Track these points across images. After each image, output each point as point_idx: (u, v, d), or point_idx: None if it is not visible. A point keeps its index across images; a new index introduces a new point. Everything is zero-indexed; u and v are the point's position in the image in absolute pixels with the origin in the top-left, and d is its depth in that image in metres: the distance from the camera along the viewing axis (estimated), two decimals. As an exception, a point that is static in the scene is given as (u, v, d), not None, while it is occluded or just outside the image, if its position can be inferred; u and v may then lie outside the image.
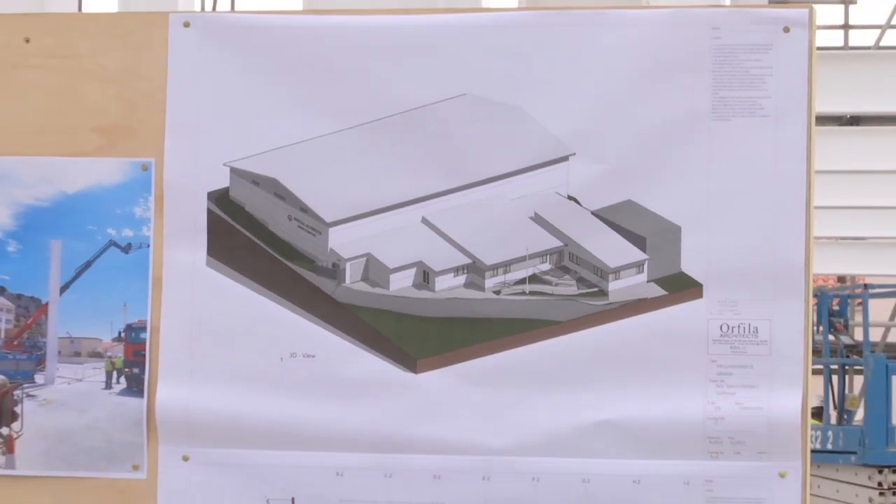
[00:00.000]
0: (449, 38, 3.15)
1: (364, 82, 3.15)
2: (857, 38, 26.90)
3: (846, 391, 21.21)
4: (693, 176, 3.09)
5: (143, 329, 3.21)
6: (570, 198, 3.17)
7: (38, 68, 3.25)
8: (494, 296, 3.15)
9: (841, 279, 26.85)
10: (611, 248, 3.14)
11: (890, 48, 21.67)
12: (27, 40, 3.25)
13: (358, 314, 3.16)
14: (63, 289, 3.27)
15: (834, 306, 21.46)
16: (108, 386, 3.22)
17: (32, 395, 3.24)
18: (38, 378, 3.24)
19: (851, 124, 19.44)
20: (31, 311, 3.26)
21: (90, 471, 3.22)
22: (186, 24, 3.22)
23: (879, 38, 21.35)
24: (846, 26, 25.63)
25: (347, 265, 3.17)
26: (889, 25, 21.59)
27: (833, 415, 20.95)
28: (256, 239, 3.22)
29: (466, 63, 3.13)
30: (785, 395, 3.06)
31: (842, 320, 21.34)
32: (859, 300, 21.84)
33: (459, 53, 3.13)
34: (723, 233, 3.09)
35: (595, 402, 3.09)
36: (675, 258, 3.11)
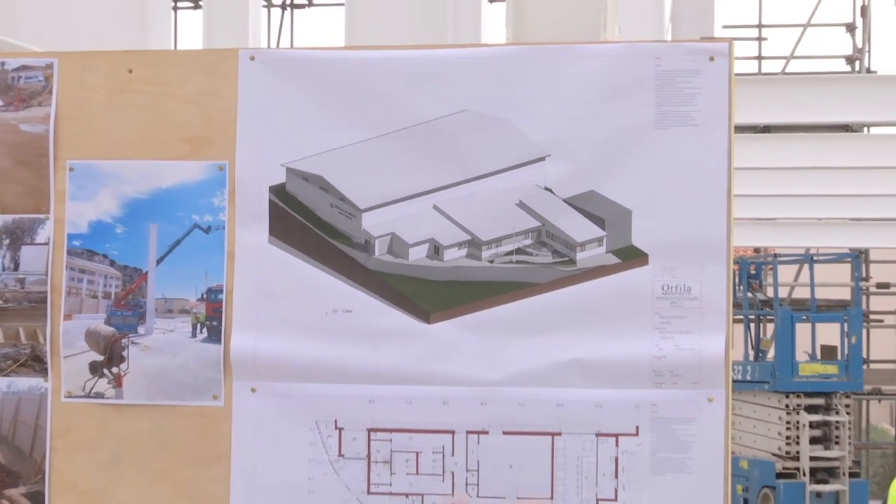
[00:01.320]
0: (453, 68, 3.43)
1: (389, 101, 3.43)
2: (767, 66, 29.35)
3: (761, 336, 24.38)
4: (641, 172, 3.36)
5: (220, 291, 3.47)
6: (546, 189, 3.38)
7: (139, 93, 3.52)
8: (489, 264, 3.39)
9: (756, 250, 27.24)
10: (578, 227, 3.36)
11: (793, 73, 25.65)
12: (130, 71, 3.53)
13: (384, 279, 3.40)
14: (159, 261, 3.50)
15: (751, 271, 24.44)
16: (194, 335, 3.48)
17: (136, 343, 3.49)
18: (140, 330, 3.49)
19: (764, 132, 20.15)
20: (134, 278, 3.50)
21: (180, 400, 3.48)
22: (252, 58, 3.51)
23: (785, 66, 26.44)
24: (759, 57, 29.58)
25: (376, 241, 3.41)
26: (792, 56, 26.82)
27: (751, 353, 23.88)
28: (306, 222, 3.44)
29: (466, 86, 3.40)
30: (712, 338, 3.32)
31: (757, 282, 24.53)
32: (771, 266, 24.56)
33: (461, 79, 3.41)
34: (664, 215, 3.34)
35: (566, 345, 3.35)
36: (627, 235, 3.35)
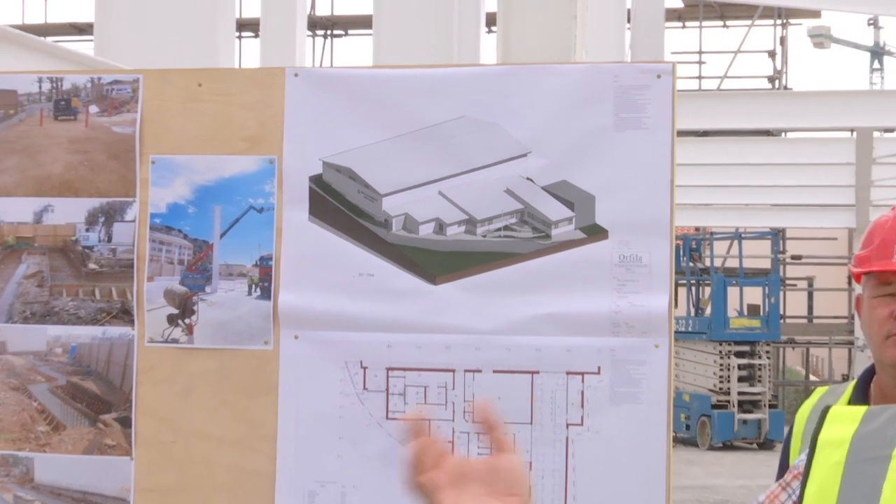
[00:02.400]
0: (455, 82, 3.42)
1: (404, 109, 3.42)
2: (706, 84, 30.45)
3: (700, 297, 25.23)
4: (602, 165, 3.34)
5: (270, 259, 3.46)
6: (527, 179, 3.37)
7: (207, 102, 3.51)
8: (482, 238, 3.38)
9: (696, 229, 27.57)
10: (552, 209, 3.36)
11: (725, 90, 27.35)
12: (200, 84, 3.52)
13: (400, 249, 3.40)
14: (222, 235, 3.49)
15: (693, 245, 25.41)
16: (249, 293, 3.47)
17: (203, 300, 3.49)
18: (207, 289, 3.49)
19: (702, 136, 20.35)
20: (202, 248, 3.50)
21: (238, 345, 3.48)
22: (296, 75, 3.49)
23: (719, 84, 28.48)
24: (699, 77, 31.29)
25: (393, 220, 3.40)
26: (725, 76, 28.98)
27: (693, 311, 24.83)
28: (338, 204, 3.44)
29: (465, 97, 3.39)
30: (658, 297, 3.32)
31: (697, 254, 25.60)
32: (707, 241, 25.78)
33: (461, 91, 3.40)
34: (621, 200, 3.33)
35: (543, 303, 3.35)
36: (591, 215, 3.34)
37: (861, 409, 1.75)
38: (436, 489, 1.66)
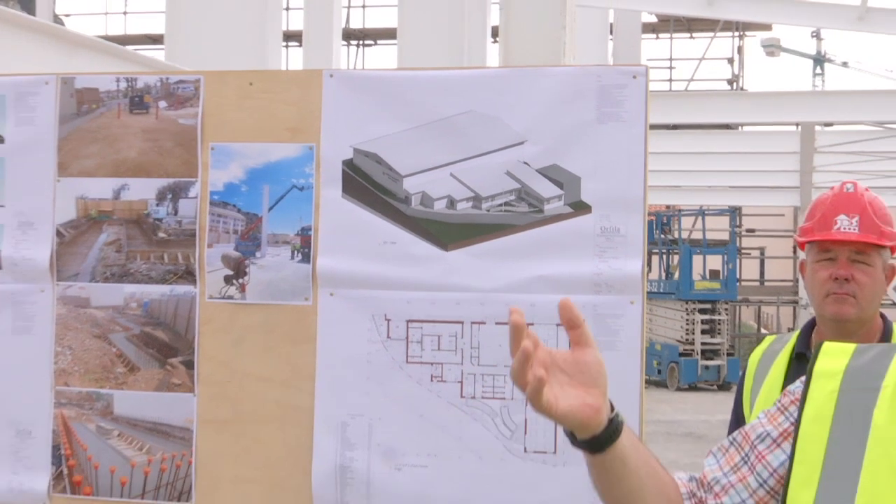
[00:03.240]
0: (464, 82, 3.40)
1: (421, 104, 3.40)
2: (675, 85, 30.52)
3: (670, 263, 25.11)
4: (587, 152, 3.31)
5: (310, 229, 3.44)
6: (524, 163, 3.34)
7: (257, 98, 3.49)
8: (487, 212, 3.36)
9: (667, 207, 27.44)
10: (545, 188, 3.33)
11: (692, 91, 27.11)
12: (251, 84, 3.50)
13: (417, 222, 3.38)
14: (269, 209, 3.47)
15: (664, 221, 25.42)
16: (292, 258, 3.45)
17: (254, 263, 3.47)
18: (257, 254, 3.47)
19: (673, 129, 20.23)
20: (253, 220, 3.48)
21: (283, 300, 3.46)
22: (331, 76, 3.47)
23: (687, 86, 27.77)
24: (670, 80, 31.87)
25: (412, 197, 3.38)
26: (692, 80, 28.73)
27: (664, 275, 24.77)
28: (367, 184, 3.41)
29: (472, 95, 3.37)
30: (632, 262, 3.29)
31: (668, 228, 25.61)
32: (676, 217, 25.59)
33: (469, 90, 3.37)
34: (602, 181, 3.30)
35: (537, 266, 3.32)
36: (578, 193, 3.31)
37: (851, 346, 1.75)
38: (540, 383, 1.65)
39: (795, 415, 1.72)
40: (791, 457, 1.69)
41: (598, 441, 1.71)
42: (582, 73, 3.38)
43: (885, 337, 3.37)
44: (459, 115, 3.39)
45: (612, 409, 1.75)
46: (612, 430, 1.72)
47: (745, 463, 1.78)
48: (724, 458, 1.83)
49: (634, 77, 3.33)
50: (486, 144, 3.38)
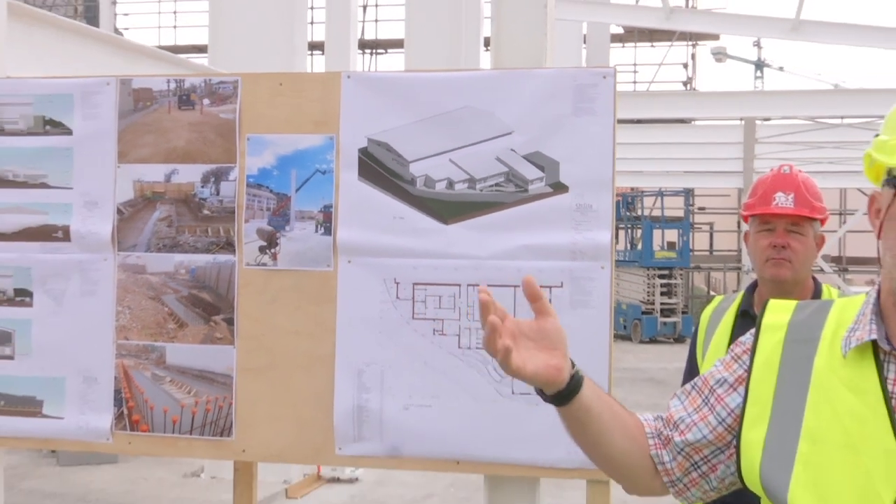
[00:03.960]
0: (461, 82, 3.35)
1: (424, 100, 3.35)
2: (640, 86, 29.71)
3: (634, 236, 25.01)
4: (565, 141, 3.27)
5: (331, 207, 3.40)
6: (512, 150, 3.30)
7: (286, 97, 3.45)
8: (480, 192, 3.32)
9: (632, 188, 27.41)
10: (529, 171, 3.29)
11: (653, 91, 26.24)
12: (281, 84, 3.47)
13: (422, 200, 3.34)
14: (297, 190, 3.44)
15: (629, 200, 25.27)
16: (316, 231, 3.42)
17: (284, 235, 3.44)
18: (287, 228, 3.44)
19: (637, 123, 20.12)
20: (283, 199, 3.44)
21: (309, 267, 3.43)
22: (349, 77, 3.43)
23: (649, 87, 28.15)
24: (635, 81, 31.78)
25: (417, 179, 3.35)
26: (653, 81, 28.95)
27: (629, 246, 24.79)
28: (379, 168, 3.37)
29: (468, 93, 3.33)
30: (602, 233, 3.26)
31: (632, 206, 25.46)
32: (640, 197, 25.54)
33: (465, 89, 3.33)
34: (578, 165, 3.27)
35: (521, 238, 3.29)
36: (557, 175, 3.28)
37: (793, 303, 1.75)
38: (507, 351, 1.62)
39: (748, 363, 1.72)
40: (745, 398, 1.68)
41: (563, 395, 1.70)
42: (560, 74, 3.35)
43: (816, 296, 3.36)
44: (457, 110, 3.35)
45: (573, 366, 1.73)
46: (574, 384, 1.69)
47: (706, 404, 1.77)
48: (687, 400, 1.82)
49: (604, 77, 3.31)
50: (479, 134, 3.35)
